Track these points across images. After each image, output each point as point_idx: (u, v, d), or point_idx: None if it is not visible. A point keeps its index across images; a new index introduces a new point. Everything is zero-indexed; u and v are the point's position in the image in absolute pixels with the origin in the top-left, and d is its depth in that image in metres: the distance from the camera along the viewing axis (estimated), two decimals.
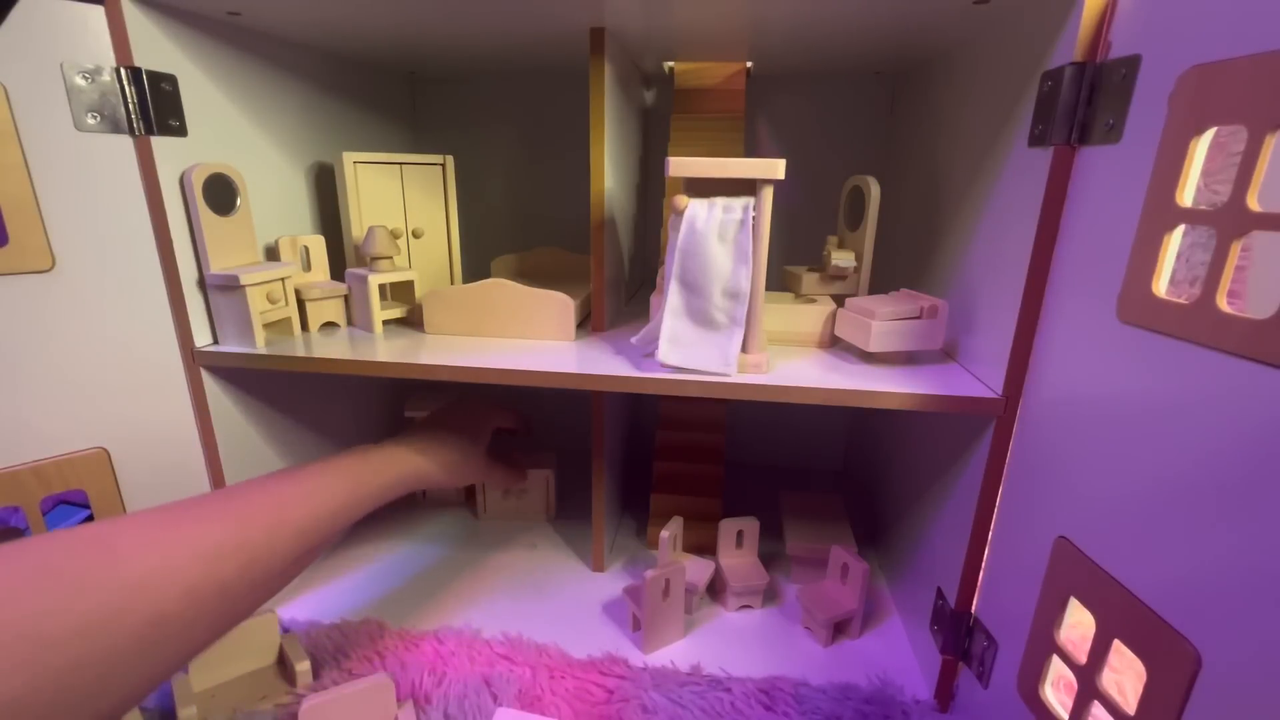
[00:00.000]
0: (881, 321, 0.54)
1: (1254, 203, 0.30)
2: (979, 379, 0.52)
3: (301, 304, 0.64)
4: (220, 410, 0.61)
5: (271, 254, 0.65)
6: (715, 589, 0.71)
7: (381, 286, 0.65)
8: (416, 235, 0.71)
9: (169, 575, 0.34)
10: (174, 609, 0.33)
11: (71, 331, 0.52)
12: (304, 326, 0.64)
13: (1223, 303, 0.31)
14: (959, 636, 0.54)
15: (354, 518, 0.49)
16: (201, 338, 0.58)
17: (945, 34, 0.59)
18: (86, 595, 0.30)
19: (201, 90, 0.56)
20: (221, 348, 0.59)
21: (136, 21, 0.50)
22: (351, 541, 0.79)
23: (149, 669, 0.33)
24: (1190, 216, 0.34)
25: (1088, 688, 0.39)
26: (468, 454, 0.62)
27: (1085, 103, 0.41)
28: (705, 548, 0.73)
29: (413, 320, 0.68)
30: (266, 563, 0.40)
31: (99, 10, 0.49)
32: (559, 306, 0.62)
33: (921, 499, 0.65)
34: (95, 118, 0.50)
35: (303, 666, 0.57)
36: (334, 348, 0.60)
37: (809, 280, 0.65)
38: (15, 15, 0.46)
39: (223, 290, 0.57)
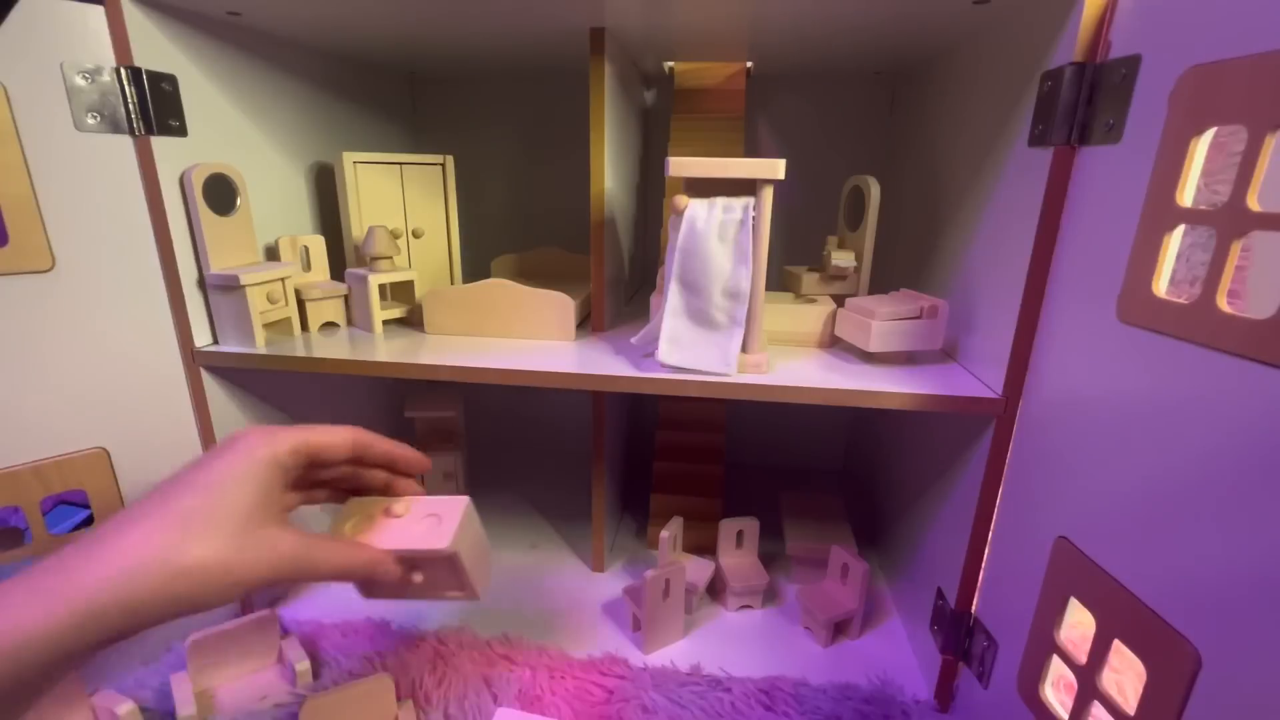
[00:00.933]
0: (882, 321, 0.54)
1: (1254, 203, 0.30)
2: (979, 379, 0.52)
3: (301, 304, 0.64)
4: (220, 410, 0.61)
5: (271, 254, 0.65)
6: (715, 589, 0.71)
7: (381, 286, 0.65)
8: (416, 235, 0.71)
9: None
10: None
11: (71, 331, 0.52)
12: (304, 326, 0.64)
13: (1223, 303, 0.31)
14: (959, 636, 0.54)
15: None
16: (201, 338, 0.58)
17: (945, 34, 0.59)
18: None
19: (201, 90, 0.56)
20: (221, 348, 0.59)
21: (136, 21, 0.50)
22: None
23: None
24: (1190, 216, 0.34)
25: (1088, 688, 0.39)
26: (261, 527, 0.33)
27: (1085, 103, 0.41)
28: (705, 548, 0.73)
29: (413, 320, 0.68)
30: None
31: (99, 10, 0.49)
32: (559, 306, 0.62)
33: (921, 499, 0.65)
34: (95, 118, 0.50)
35: (302, 666, 0.57)
36: (334, 348, 0.60)
37: (809, 280, 0.65)
38: (15, 15, 0.46)
39: (223, 290, 0.57)
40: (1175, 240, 0.35)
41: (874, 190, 0.62)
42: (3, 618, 0.26)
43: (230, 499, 0.32)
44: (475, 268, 0.91)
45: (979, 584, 0.53)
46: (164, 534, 0.30)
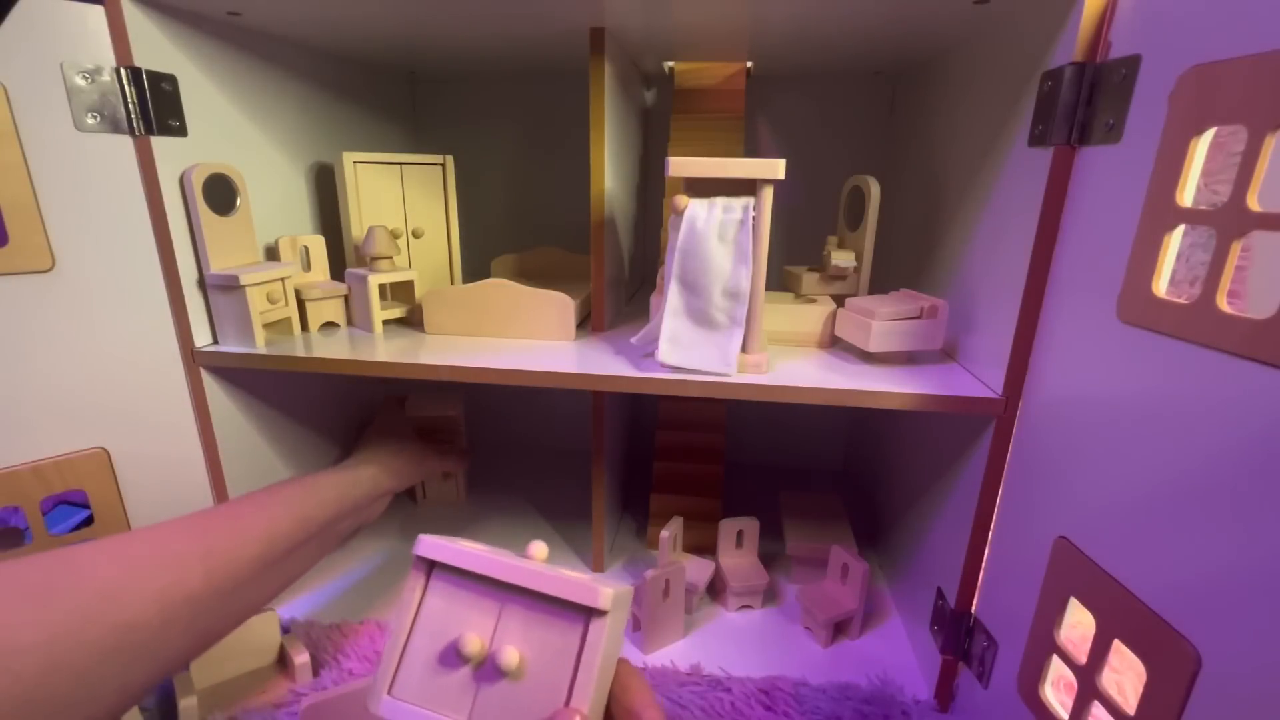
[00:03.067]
0: (881, 321, 0.54)
1: (1254, 203, 0.30)
2: (979, 379, 0.52)
3: (301, 304, 0.64)
4: (220, 410, 0.61)
5: (271, 254, 0.65)
6: (715, 589, 0.71)
7: (381, 286, 0.65)
8: (416, 235, 0.71)
9: (135, 584, 0.34)
10: (142, 617, 0.34)
11: (71, 331, 0.52)
12: (304, 326, 0.64)
13: (1223, 303, 0.31)
14: (959, 636, 0.54)
15: (320, 527, 0.50)
16: (201, 338, 0.58)
17: (945, 34, 0.59)
18: (53, 605, 0.31)
19: (201, 90, 0.56)
20: (221, 348, 0.59)
21: (136, 21, 0.50)
22: (352, 541, 0.79)
23: (121, 679, 0.33)
24: (1190, 216, 0.34)
25: (1088, 688, 0.39)
26: (408, 455, 0.67)
27: (1085, 103, 0.41)
28: (705, 548, 0.73)
29: (413, 320, 0.68)
30: (231, 571, 0.40)
31: (99, 10, 0.49)
32: (559, 306, 0.62)
33: (921, 499, 0.65)
34: (95, 118, 0.50)
35: (302, 664, 0.57)
36: (334, 348, 0.60)
37: (809, 280, 0.65)
38: (15, 15, 0.46)
39: (223, 290, 0.57)
40: (1175, 240, 0.35)
41: (874, 190, 0.62)
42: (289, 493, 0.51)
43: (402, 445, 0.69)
44: (475, 268, 0.91)
45: (979, 584, 0.53)
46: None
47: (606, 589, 0.29)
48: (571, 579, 0.29)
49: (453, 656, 0.30)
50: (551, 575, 0.29)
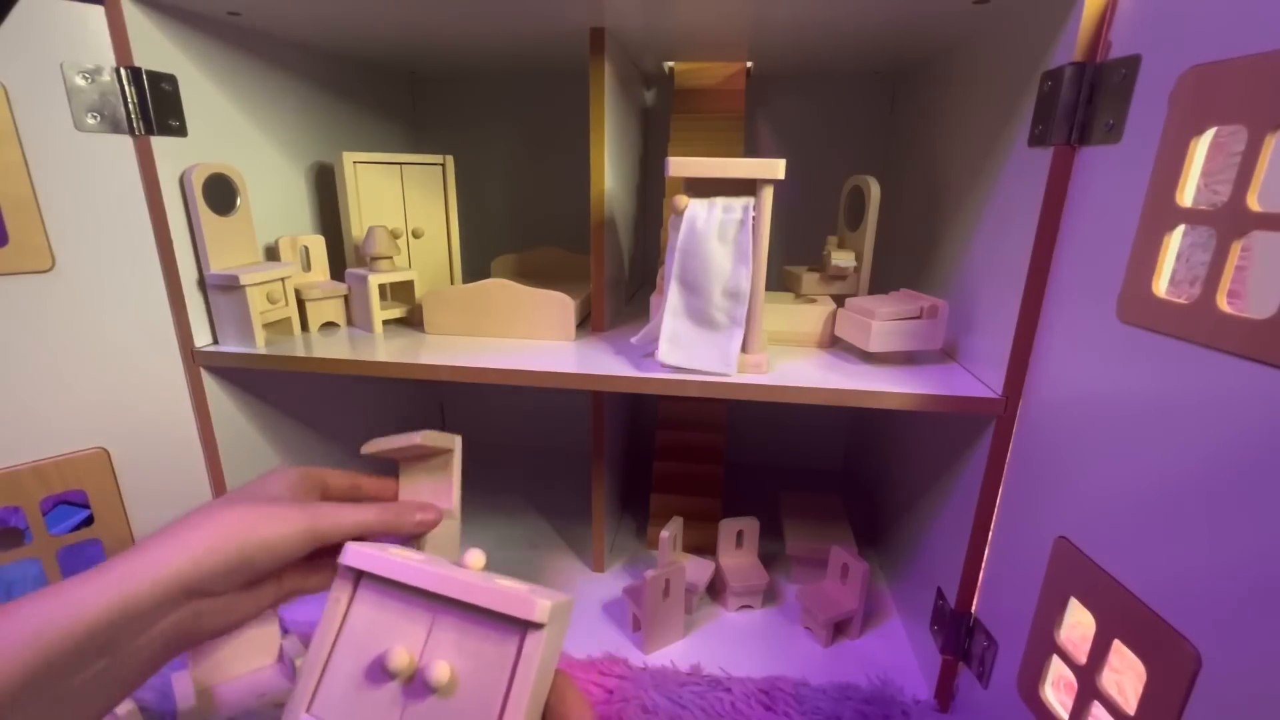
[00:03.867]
0: (881, 321, 0.54)
1: (1254, 203, 0.30)
2: (979, 379, 0.52)
3: (301, 304, 0.64)
4: (220, 410, 0.61)
5: (271, 254, 0.65)
6: (715, 589, 0.71)
7: (381, 286, 0.65)
8: (416, 235, 0.71)
9: None
10: None
11: (71, 331, 0.52)
12: (304, 326, 0.64)
13: (1223, 303, 0.31)
14: (959, 636, 0.54)
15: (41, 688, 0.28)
16: (201, 338, 0.58)
17: (945, 34, 0.59)
18: None
19: (201, 90, 0.56)
20: (221, 348, 0.59)
21: (136, 21, 0.50)
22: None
23: None
24: (1190, 216, 0.34)
25: (1088, 688, 0.39)
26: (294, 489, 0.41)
27: (1085, 103, 0.41)
28: (705, 548, 0.73)
29: (413, 320, 0.68)
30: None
31: (99, 10, 0.49)
32: (559, 306, 0.62)
33: (921, 499, 0.65)
34: (95, 118, 0.50)
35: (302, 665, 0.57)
36: (334, 348, 0.60)
37: (809, 280, 0.65)
38: (15, 15, 0.46)
39: (223, 290, 0.57)
40: (1175, 240, 0.35)
41: (874, 190, 0.62)
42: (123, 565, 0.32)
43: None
44: (475, 268, 0.91)
45: (979, 584, 0.53)
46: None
47: (544, 600, 0.27)
48: (507, 590, 0.28)
49: (379, 671, 0.28)
50: (485, 587, 0.28)
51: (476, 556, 0.32)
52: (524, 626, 0.27)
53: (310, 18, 0.58)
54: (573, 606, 0.30)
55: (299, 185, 0.70)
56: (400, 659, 0.28)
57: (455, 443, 0.43)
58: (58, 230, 0.50)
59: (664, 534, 0.65)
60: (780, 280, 0.71)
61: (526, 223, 0.94)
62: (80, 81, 0.49)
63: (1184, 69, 0.34)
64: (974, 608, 0.53)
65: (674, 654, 0.62)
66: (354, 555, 0.30)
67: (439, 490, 0.44)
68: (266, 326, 0.60)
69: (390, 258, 0.64)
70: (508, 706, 0.27)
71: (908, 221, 0.73)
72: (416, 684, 0.28)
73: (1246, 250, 0.42)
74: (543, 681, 0.28)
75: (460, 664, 0.28)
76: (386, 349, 0.59)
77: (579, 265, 0.82)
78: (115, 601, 0.29)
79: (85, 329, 0.53)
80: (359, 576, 0.31)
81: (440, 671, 0.27)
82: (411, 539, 0.42)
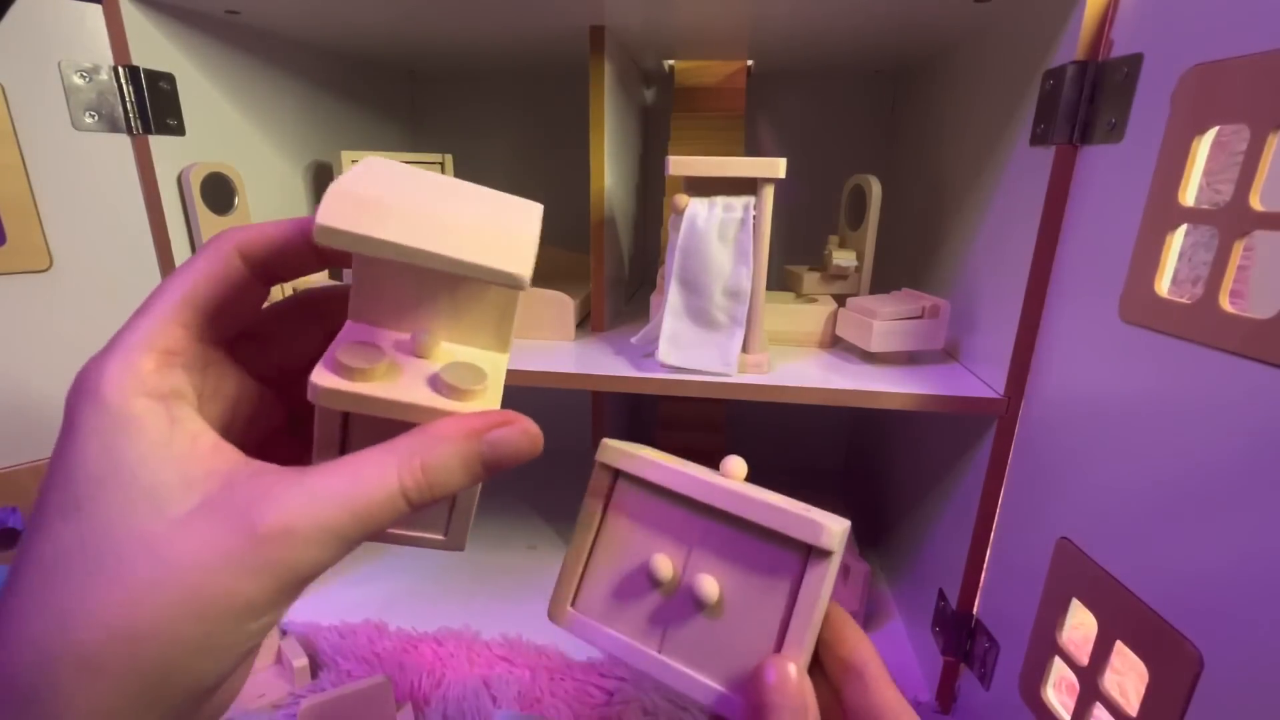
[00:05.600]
0: (883, 321, 0.53)
1: (1256, 202, 0.30)
2: (981, 379, 0.52)
3: None
4: None
5: None
6: None
7: None
8: None
9: None
10: None
11: (69, 331, 0.52)
12: None
13: (1225, 302, 0.31)
14: (960, 638, 0.54)
15: None
16: None
17: (946, 33, 0.58)
18: None
19: (200, 89, 0.56)
20: None
21: (134, 20, 0.50)
22: None
23: None
24: (1192, 216, 0.33)
25: (1090, 689, 0.39)
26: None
27: (1087, 102, 0.41)
28: None
29: None
30: None
31: (97, 9, 0.49)
32: (559, 306, 0.62)
33: (923, 500, 0.64)
34: (93, 117, 0.50)
35: (301, 667, 0.57)
36: None
37: (810, 280, 0.65)
38: (13, 14, 0.45)
39: None
40: (1177, 240, 0.35)
41: (875, 189, 0.61)
42: None
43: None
44: None
45: (980, 585, 0.52)
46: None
47: (833, 524, 0.23)
48: (788, 509, 0.24)
49: (641, 580, 0.26)
50: (763, 502, 0.24)
51: (739, 465, 0.28)
52: (806, 551, 0.24)
53: (309, 16, 0.58)
54: (849, 531, 0.26)
55: (297, 184, 0.70)
56: (665, 567, 0.25)
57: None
58: (55, 230, 0.50)
59: None
60: (781, 280, 0.71)
61: None
62: (78, 80, 0.49)
63: (1186, 68, 0.34)
64: (975, 609, 0.53)
65: None
66: (612, 453, 0.27)
67: (480, 324, 0.27)
68: None
69: None
70: (787, 639, 0.23)
71: (909, 221, 0.72)
72: (680, 599, 0.25)
73: (1249, 250, 0.42)
74: (823, 612, 0.24)
75: (729, 582, 0.25)
76: None
77: (579, 265, 0.82)
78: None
79: (83, 329, 0.53)
80: (616, 475, 0.28)
81: (708, 587, 0.24)
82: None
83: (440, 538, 0.27)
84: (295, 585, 0.18)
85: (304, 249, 0.21)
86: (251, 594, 0.17)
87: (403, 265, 0.20)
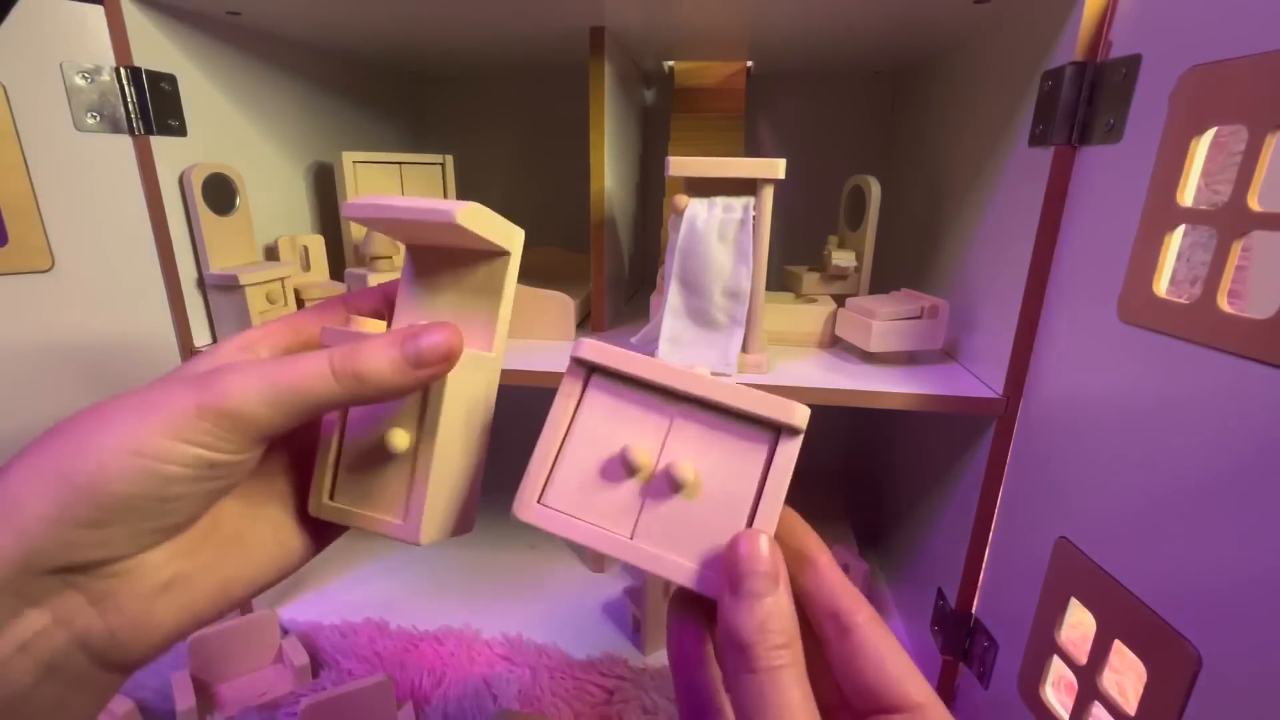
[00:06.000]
0: (882, 321, 0.53)
1: (1254, 203, 0.30)
2: (980, 379, 0.52)
3: (301, 304, 0.64)
4: None
5: (271, 254, 0.65)
6: None
7: None
8: None
9: None
10: None
11: (70, 331, 0.52)
12: None
13: (1224, 303, 0.31)
14: (959, 637, 0.54)
15: None
16: (201, 338, 0.58)
17: (946, 33, 0.59)
18: None
19: (201, 90, 0.56)
20: None
21: (136, 21, 0.50)
22: (351, 541, 0.79)
23: None
24: (1191, 216, 0.34)
25: (1088, 688, 0.39)
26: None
27: (1086, 102, 0.41)
28: None
29: None
30: None
31: (98, 10, 0.49)
32: (559, 306, 0.62)
33: (922, 499, 0.65)
34: (95, 117, 0.50)
35: (302, 666, 0.57)
36: None
37: (809, 280, 0.65)
38: (15, 15, 0.46)
39: (222, 290, 0.57)
40: (1176, 240, 0.35)
41: (874, 190, 0.62)
42: None
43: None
44: None
45: (979, 584, 0.52)
46: None
47: (803, 406, 0.25)
48: (761, 393, 0.25)
49: (615, 468, 0.26)
50: (736, 386, 0.25)
51: (701, 369, 0.28)
52: (777, 431, 0.25)
53: (310, 17, 0.58)
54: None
55: (298, 185, 0.70)
56: (641, 454, 0.25)
57: (514, 241, 0.29)
58: (57, 230, 0.50)
59: None
60: (780, 280, 0.71)
61: (526, 222, 0.93)
62: (80, 81, 0.49)
63: (1185, 69, 0.34)
64: (974, 608, 0.53)
65: None
66: (587, 348, 0.27)
67: (473, 320, 0.29)
68: None
69: (390, 258, 0.64)
70: (759, 514, 0.24)
71: (908, 221, 0.72)
72: (657, 483, 0.26)
73: (1247, 250, 0.43)
74: (783, 497, 0.25)
75: (703, 466, 0.26)
76: None
77: (579, 265, 0.82)
78: None
79: (84, 329, 0.53)
80: (590, 371, 0.27)
81: (685, 469, 0.25)
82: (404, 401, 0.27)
83: (398, 522, 0.27)
84: (237, 435, 0.22)
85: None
86: (191, 435, 0.21)
87: (416, 260, 0.29)
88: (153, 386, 0.22)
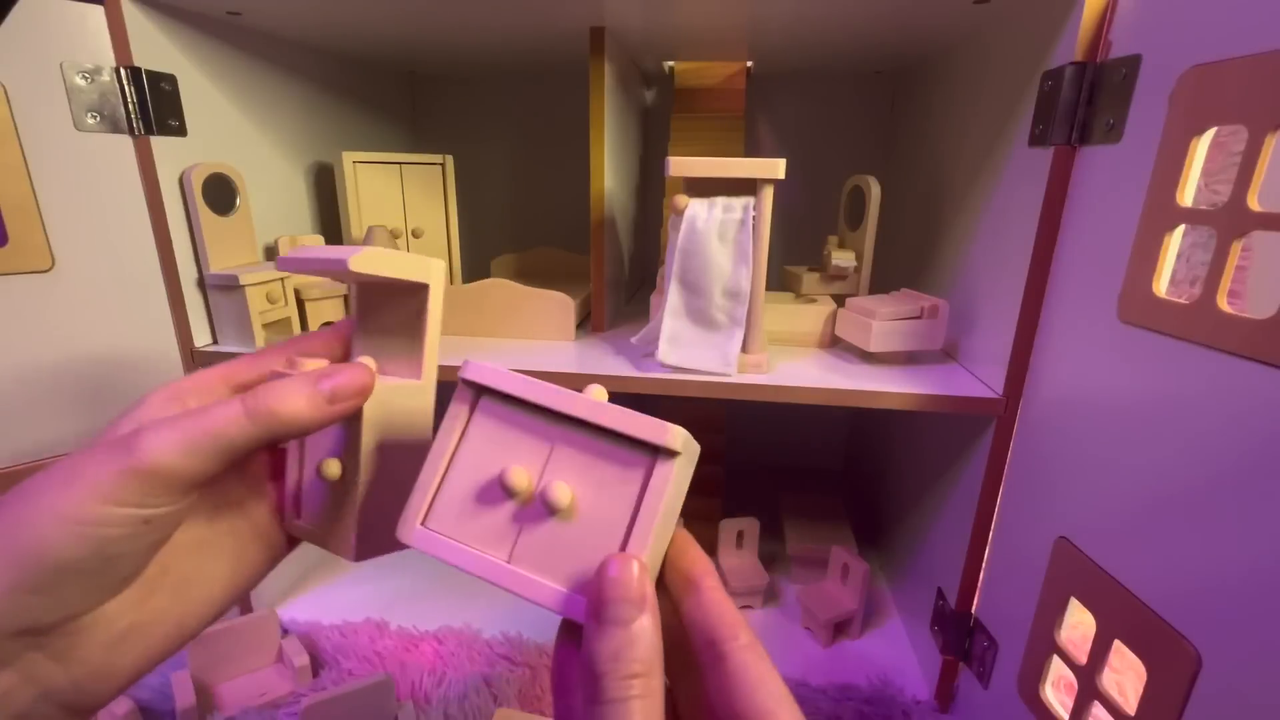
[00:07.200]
0: (882, 321, 0.53)
1: (1254, 203, 0.30)
2: (979, 379, 0.52)
3: (301, 304, 0.64)
4: None
5: (271, 254, 0.65)
6: None
7: None
8: (416, 235, 0.71)
9: None
10: None
11: (71, 331, 0.52)
12: (304, 326, 0.64)
13: (1223, 303, 0.31)
14: (959, 637, 0.54)
15: None
16: (201, 338, 0.58)
17: (945, 33, 0.59)
18: None
19: (201, 90, 0.56)
20: (221, 348, 0.58)
21: (136, 21, 0.50)
22: None
23: None
24: (1190, 216, 0.34)
25: (1088, 688, 0.39)
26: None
27: (1085, 102, 0.41)
28: (705, 548, 0.73)
29: None
30: None
31: (99, 10, 0.49)
32: (559, 306, 0.62)
33: (922, 499, 0.65)
34: (95, 117, 0.50)
35: (302, 666, 0.57)
36: None
37: (809, 280, 0.65)
38: (15, 15, 0.46)
39: (222, 290, 0.57)
40: (1175, 240, 0.35)
41: (874, 190, 0.62)
42: None
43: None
44: (475, 268, 0.90)
45: (979, 584, 0.52)
46: None
47: (678, 428, 0.25)
48: (637, 414, 0.25)
49: (495, 491, 0.26)
50: (615, 409, 0.25)
51: (599, 390, 0.28)
52: (653, 453, 0.25)
53: (310, 18, 0.58)
54: (698, 454, 0.27)
55: (299, 185, 0.70)
56: (519, 477, 0.26)
57: (432, 273, 0.29)
58: (57, 230, 0.50)
59: None
60: (780, 280, 0.71)
61: (526, 223, 0.94)
62: (80, 81, 0.49)
63: (1184, 69, 0.34)
64: (974, 608, 0.53)
65: None
66: (474, 370, 0.27)
67: (408, 350, 0.30)
68: (266, 326, 0.60)
69: None
70: (632, 536, 0.24)
71: (908, 221, 0.73)
72: (535, 506, 0.26)
73: (1247, 250, 0.43)
74: (668, 520, 0.25)
75: (581, 490, 0.26)
76: None
77: (579, 265, 0.82)
78: None
79: (85, 329, 0.53)
80: (479, 394, 0.28)
81: (560, 492, 0.25)
82: (345, 426, 0.29)
83: (337, 540, 0.30)
84: (164, 489, 0.22)
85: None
86: (121, 496, 0.22)
87: (362, 296, 0.31)
88: (81, 454, 0.23)
